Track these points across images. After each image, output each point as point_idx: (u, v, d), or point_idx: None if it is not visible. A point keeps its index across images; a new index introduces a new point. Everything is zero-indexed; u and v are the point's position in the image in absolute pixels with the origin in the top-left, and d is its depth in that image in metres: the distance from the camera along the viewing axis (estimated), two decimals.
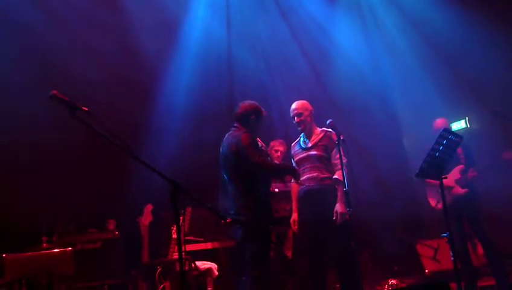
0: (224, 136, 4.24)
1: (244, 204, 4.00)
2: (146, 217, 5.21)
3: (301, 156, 4.70)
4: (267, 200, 4.11)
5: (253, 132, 4.15)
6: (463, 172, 5.30)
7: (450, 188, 5.28)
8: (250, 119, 4.18)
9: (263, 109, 4.30)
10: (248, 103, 4.26)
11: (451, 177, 5.30)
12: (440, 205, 5.23)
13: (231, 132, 4.18)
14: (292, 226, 4.71)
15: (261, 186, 4.07)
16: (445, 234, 3.98)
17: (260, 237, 3.98)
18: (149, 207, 5.26)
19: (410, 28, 6.83)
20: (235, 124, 4.21)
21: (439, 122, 5.54)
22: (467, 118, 6.31)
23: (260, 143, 4.18)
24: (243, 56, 6.92)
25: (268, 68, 7.23)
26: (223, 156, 4.15)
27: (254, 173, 3.94)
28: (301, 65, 7.24)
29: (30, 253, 4.62)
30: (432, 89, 6.74)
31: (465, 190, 5.27)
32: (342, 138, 4.24)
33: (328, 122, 4.35)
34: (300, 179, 4.63)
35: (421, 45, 6.82)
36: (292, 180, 4.70)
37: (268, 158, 4.13)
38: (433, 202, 5.46)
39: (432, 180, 5.28)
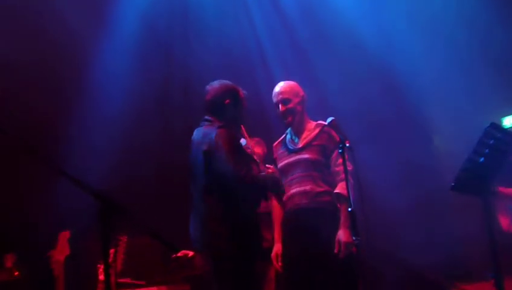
0: (193, 134, 4.27)
1: (220, 233, 4.00)
2: (61, 250, 5.14)
3: (288, 160, 4.72)
4: (254, 225, 4.14)
5: (233, 124, 4.22)
6: None
7: None
8: (226, 106, 4.25)
9: (241, 89, 4.36)
10: (218, 84, 4.33)
11: None
12: None
13: (202, 127, 4.23)
14: (274, 262, 4.71)
15: (245, 205, 4.08)
16: (491, 274, 4.00)
17: (240, 279, 3.98)
18: (65, 235, 5.19)
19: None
20: (206, 117, 4.26)
21: None
22: None
23: (245, 138, 4.27)
24: (202, 27, 7.07)
25: (239, 42, 7.32)
26: (192, 161, 4.20)
27: (234, 187, 3.96)
28: (285, 38, 7.39)
29: None
30: (473, 73, 6.82)
31: None
32: (347, 144, 4.21)
33: (328, 121, 4.35)
34: (286, 196, 4.66)
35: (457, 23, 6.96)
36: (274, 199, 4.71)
37: (255, 163, 4.13)
38: (504, 223, 5.41)
39: (507, 190, 5.26)
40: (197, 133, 4.23)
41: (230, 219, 4.01)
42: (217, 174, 3.97)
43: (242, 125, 4.35)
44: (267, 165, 4.68)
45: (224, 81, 4.36)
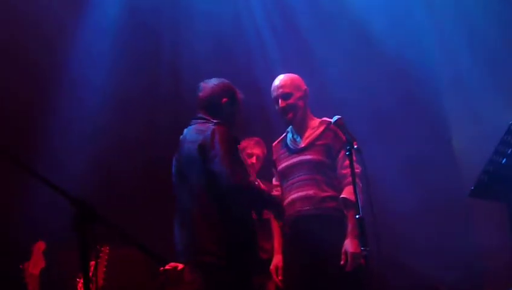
0: (183, 134, 4.30)
1: (212, 237, 3.99)
2: (36, 262, 5.11)
3: (289, 162, 4.72)
4: (250, 231, 4.15)
5: (229, 124, 4.23)
6: None
7: None
8: (222, 105, 4.32)
9: (238, 90, 4.43)
10: (215, 82, 4.41)
11: None
12: None
13: (194, 125, 4.27)
14: (274, 275, 4.69)
15: (239, 209, 4.08)
16: None
17: None
18: (40, 246, 5.15)
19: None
20: (200, 114, 4.32)
21: None
22: None
23: None
24: (193, 12, 7.06)
25: (235, 29, 7.33)
26: (182, 161, 4.23)
27: (227, 189, 3.97)
28: (285, 25, 7.40)
29: None
30: (495, 62, 6.81)
31: None
32: (355, 146, 4.17)
33: (334, 120, 4.33)
34: (287, 201, 4.66)
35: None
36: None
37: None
38: None
39: None
40: (188, 132, 4.26)
41: (225, 222, 4.01)
42: (211, 174, 3.96)
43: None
44: (258, 181, 4.66)
45: (222, 79, 4.44)
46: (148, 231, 5.20)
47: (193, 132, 4.20)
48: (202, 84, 4.42)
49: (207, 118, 4.25)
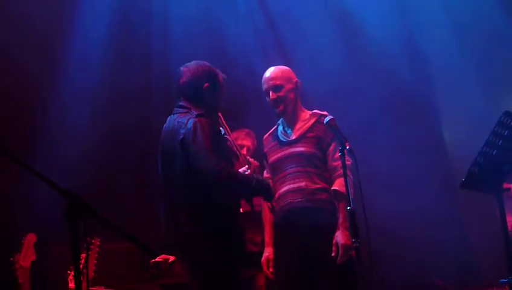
0: (165, 123, 4.21)
1: (199, 234, 3.95)
2: (26, 255, 5.10)
3: (280, 154, 4.70)
4: (237, 226, 4.09)
5: (211, 113, 4.15)
6: None
7: None
8: (203, 91, 4.16)
9: (220, 72, 4.28)
10: (195, 64, 4.24)
11: None
12: None
13: (176, 115, 4.14)
14: (265, 268, 4.70)
15: (225, 202, 4.02)
16: (505, 280, 3.99)
17: (220, 287, 3.93)
18: (31, 238, 5.14)
19: None
20: (181, 102, 4.19)
21: None
22: None
23: (225, 129, 4.20)
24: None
25: (232, 22, 7.30)
26: (164, 155, 4.16)
27: (209, 184, 3.87)
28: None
29: None
30: (487, 56, 6.82)
31: None
32: (348, 147, 4.13)
33: (326, 120, 4.31)
34: (278, 194, 4.64)
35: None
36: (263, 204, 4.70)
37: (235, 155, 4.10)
38: None
39: None
40: (170, 121, 4.16)
41: (209, 216, 3.95)
42: (194, 168, 3.87)
43: (220, 113, 4.30)
44: (248, 158, 4.62)
45: (202, 62, 4.28)
46: (140, 224, 5.19)
47: (175, 123, 4.07)
48: (182, 69, 4.25)
49: (188, 106, 4.12)
